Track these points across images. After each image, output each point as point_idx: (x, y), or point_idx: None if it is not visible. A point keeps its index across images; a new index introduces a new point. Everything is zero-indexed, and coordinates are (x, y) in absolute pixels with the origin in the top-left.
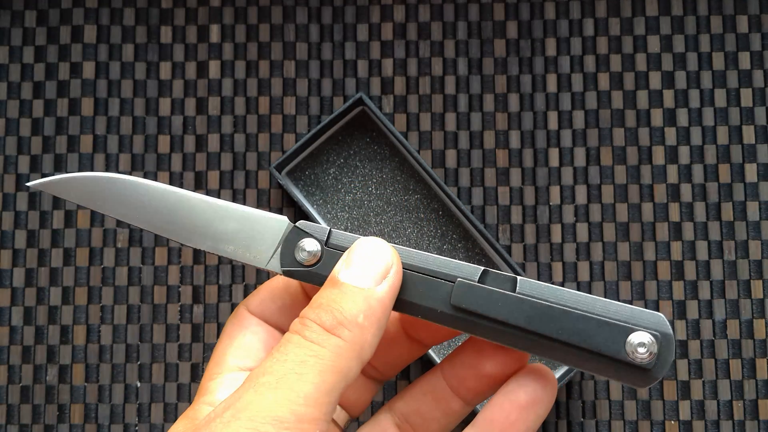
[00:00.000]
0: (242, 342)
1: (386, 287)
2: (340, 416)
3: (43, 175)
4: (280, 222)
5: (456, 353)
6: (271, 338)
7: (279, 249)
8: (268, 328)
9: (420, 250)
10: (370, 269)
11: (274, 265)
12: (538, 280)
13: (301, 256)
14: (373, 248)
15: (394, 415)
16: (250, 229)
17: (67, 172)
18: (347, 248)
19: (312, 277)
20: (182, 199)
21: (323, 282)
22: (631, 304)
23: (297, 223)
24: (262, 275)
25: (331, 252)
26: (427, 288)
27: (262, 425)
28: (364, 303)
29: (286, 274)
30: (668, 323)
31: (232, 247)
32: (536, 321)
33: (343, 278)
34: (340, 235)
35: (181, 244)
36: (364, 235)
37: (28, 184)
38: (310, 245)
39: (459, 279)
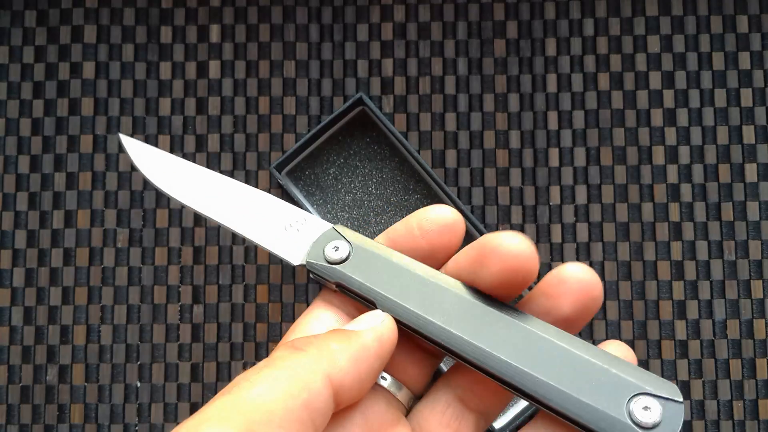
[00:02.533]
0: (305, 326)
1: (371, 334)
2: (403, 395)
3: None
4: (323, 224)
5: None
6: (337, 321)
7: (311, 244)
8: (337, 311)
9: None
10: (361, 321)
11: (299, 256)
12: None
13: (328, 252)
14: (371, 313)
15: (455, 388)
16: (295, 222)
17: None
18: (374, 255)
19: (331, 272)
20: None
21: (338, 280)
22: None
23: (335, 226)
24: (262, 275)
25: (359, 257)
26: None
27: (207, 428)
28: (342, 335)
29: (308, 265)
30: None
31: (271, 237)
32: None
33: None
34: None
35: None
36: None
37: (121, 135)
38: (343, 245)
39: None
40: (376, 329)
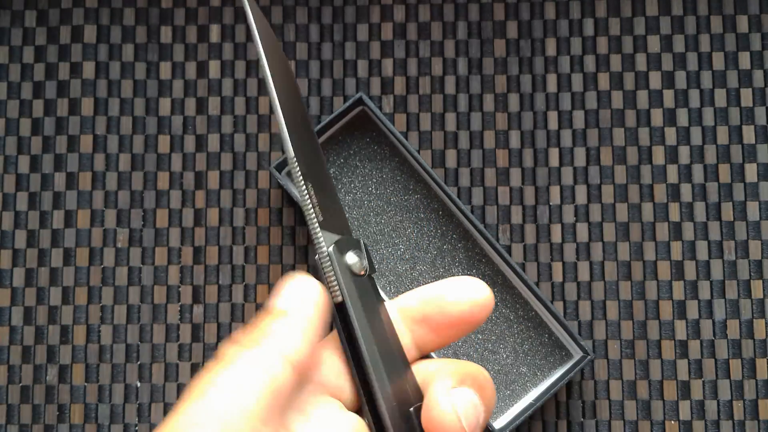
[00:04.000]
0: None
1: (308, 304)
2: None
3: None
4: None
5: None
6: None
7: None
8: None
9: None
10: (289, 296)
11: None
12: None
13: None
14: (297, 281)
15: None
16: None
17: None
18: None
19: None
20: None
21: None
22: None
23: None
24: (262, 275)
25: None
26: None
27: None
28: (283, 318)
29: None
30: None
31: None
32: None
33: (269, 305)
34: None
35: None
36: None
37: None
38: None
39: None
40: (308, 299)
